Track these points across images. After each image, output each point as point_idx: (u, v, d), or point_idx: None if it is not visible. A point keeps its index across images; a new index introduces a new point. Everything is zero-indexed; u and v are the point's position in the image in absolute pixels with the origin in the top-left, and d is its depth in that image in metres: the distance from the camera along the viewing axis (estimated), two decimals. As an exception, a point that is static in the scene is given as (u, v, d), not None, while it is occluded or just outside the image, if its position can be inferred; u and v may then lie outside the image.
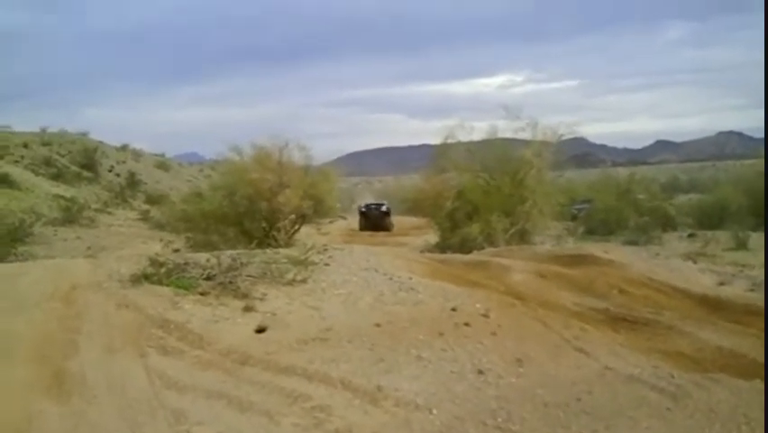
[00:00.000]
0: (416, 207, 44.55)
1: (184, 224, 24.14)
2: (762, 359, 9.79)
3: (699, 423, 6.99)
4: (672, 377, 8.39)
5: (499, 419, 6.97)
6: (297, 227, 22.91)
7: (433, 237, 30.57)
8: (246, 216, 21.76)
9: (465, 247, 23.72)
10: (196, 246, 19.72)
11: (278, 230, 21.19)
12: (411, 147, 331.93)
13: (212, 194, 24.76)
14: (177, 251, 18.77)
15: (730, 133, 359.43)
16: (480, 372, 8.50)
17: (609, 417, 7.09)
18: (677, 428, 6.88)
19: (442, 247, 26.36)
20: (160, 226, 36.85)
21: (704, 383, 8.13)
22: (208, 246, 18.53)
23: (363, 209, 57.23)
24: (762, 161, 45.53)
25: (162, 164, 75.05)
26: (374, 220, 54.48)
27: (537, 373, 8.56)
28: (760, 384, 8.17)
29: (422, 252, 22.50)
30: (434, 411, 7.15)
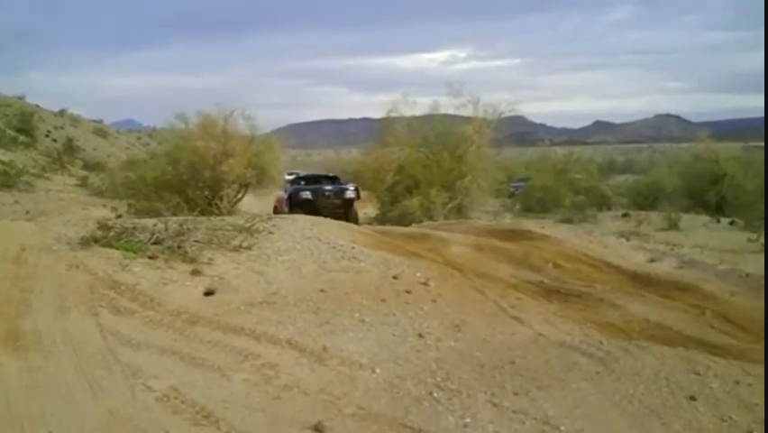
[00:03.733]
0: (356, 180, 44.79)
1: (127, 190, 24.29)
2: (684, 330, 10.43)
3: (625, 385, 7.44)
4: (602, 344, 8.85)
5: (438, 379, 7.37)
6: (239, 196, 23.22)
7: (372, 210, 30.99)
8: (189, 184, 21.98)
9: (404, 220, 24.21)
10: (139, 213, 19.87)
11: (221, 198, 21.51)
12: (352, 120, 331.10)
13: (155, 161, 24.84)
14: (119, 217, 18.86)
15: (668, 116, 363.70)
16: (421, 335, 8.92)
17: (541, 379, 7.52)
18: (604, 390, 7.32)
19: (381, 220, 26.81)
20: (98, 193, 36.57)
21: (631, 350, 8.59)
22: (151, 213, 18.66)
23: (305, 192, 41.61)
24: (697, 144, 46.60)
25: (100, 131, 73.84)
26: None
27: (474, 338, 8.99)
28: (684, 352, 8.69)
29: (361, 224, 22.84)
30: (377, 370, 7.54)
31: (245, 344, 8.16)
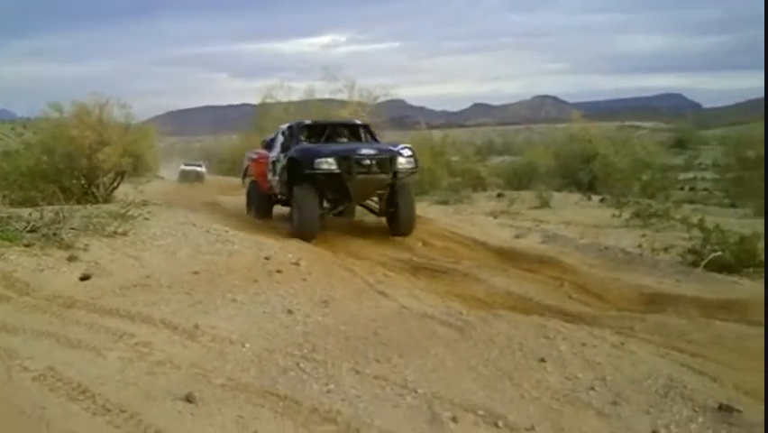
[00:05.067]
0: (235, 166, 44.86)
1: (0, 181, 23.97)
2: (543, 300, 11.11)
3: (481, 351, 8.01)
4: (461, 314, 9.43)
5: (305, 351, 7.80)
6: (115, 184, 23.13)
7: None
8: (65, 173, 21.78)
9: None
10: (14, 203, 19.73)
11: (97, 187, 21.39)
12: (232, 106, 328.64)
13: (29, 151, 24.55)
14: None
15: (545, 97, 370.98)
16: (290, 312, 9.34)
17: (403, 347, 8.02)
18: (461, 355, 7.87)
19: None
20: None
21: (488, 319, 9.18)
22: (27, 203, 18.60)
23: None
24: (572, 125, 48.07)
25: (-28, 120, 72.22)
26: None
27: (341, 313, 9.45)
28: (537, 319, 9.35)
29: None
30: (247, 345, 7.93)
31: (120, 324, 8.45)
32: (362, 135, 19.04)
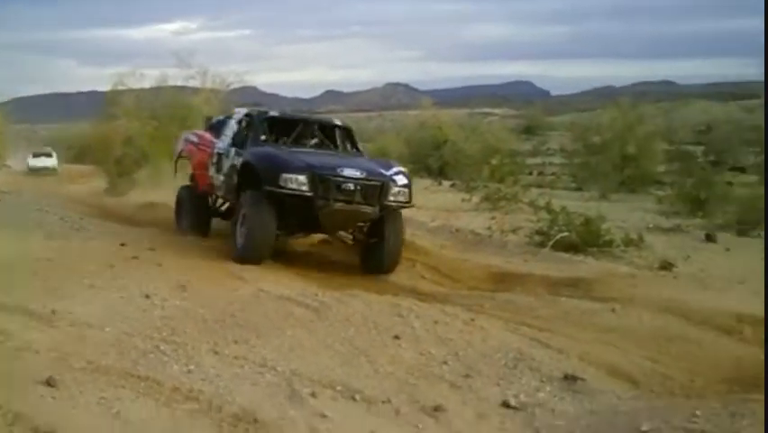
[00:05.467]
0: (83, 154, 44.06)
1: None
2: (397, 281, 11.43)
3: (337, 330, 8.27)
4: (317, 295, 9.69)
5: (164, 334, 7.87)
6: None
7: (101, 183, 30.71)
8: None
9: (135, 192, 24.29)
10: None
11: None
12: (80, 94, 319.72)
13: None
14: None
15: (397, 84, 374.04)
16: (147, 296, 9.37)
17: (260, 328, 8.20)
18: (318, 334, 8.11)
19: (111, 192, 26.71)
20: None
21: (344, 299, 9.47)
22: None
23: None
24: (423, 112, 48.85)
25: None
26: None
27: (199, 297, 9.53)
28: (391, 298, 9.73)
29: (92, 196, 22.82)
30: (106, 329, 7.94)
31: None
32: (341, 142, 15.15)
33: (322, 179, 12.02)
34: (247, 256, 12.12)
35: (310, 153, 13.47)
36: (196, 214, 15.23)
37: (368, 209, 12.31)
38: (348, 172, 12.25)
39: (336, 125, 15.49)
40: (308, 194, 11.99)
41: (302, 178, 11.98)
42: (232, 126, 14.93)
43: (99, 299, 9.18)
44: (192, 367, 6.92)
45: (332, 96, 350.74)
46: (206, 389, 6.35)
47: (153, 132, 27.78)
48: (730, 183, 29.71)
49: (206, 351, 7.40)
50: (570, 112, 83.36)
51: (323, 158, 13.14)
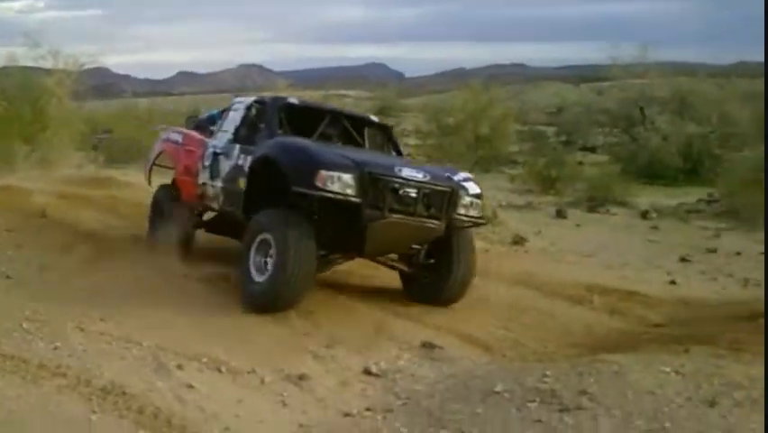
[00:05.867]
0: None
1: None
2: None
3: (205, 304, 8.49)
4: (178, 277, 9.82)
5: (27, 312, 7.77)
6: None
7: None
8: None
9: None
10: None
11: None
12: None
13: None
14: None
15: (252, 65, 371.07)
16: (8, 277, 9.44)
17: (124, 305, 8.33)
18: (186, 306, 8.33)
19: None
20: None
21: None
22: None
23: None
24: (279, 93, 48.75)
25: None
26: None
27: (60, 277, 9.58)
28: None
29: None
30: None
31: None
32: (379, 144, 11.88)
33: (374, 181, 8.72)
34: (277, 301, 8.67)
35: (352, 150, 10.15)
36: (176, 224, 11.66)
37: (433, 225, 9.18)
38: (408, 173, 9.06)
39: (374, 122, 12.17)
40: (355, 200, 8.66)
41: (347, 177, 8.61)
42: (233, 119, 11.40)
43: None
44: (58, 344, 7.03)
45: (185, 77, 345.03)
46: (74, 364, 6.47)
47: (3, 112, 27.12)
48: (581, 162, 30.92)
49: (72, 328, 7.48)
50: (423, 94, 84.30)
51: (372, 156, 10.18)
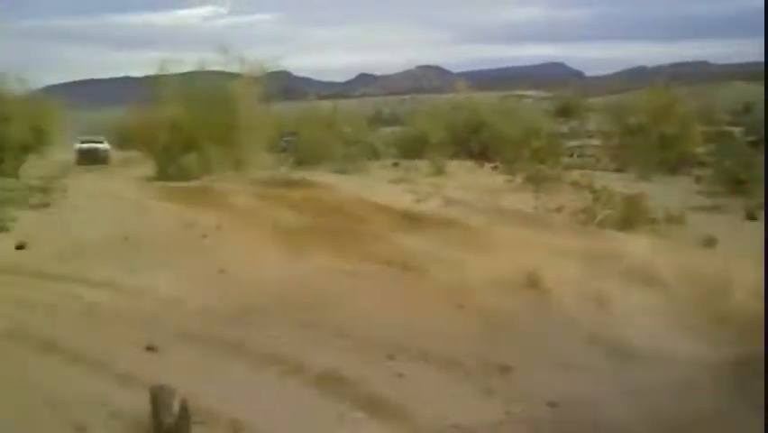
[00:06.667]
0: (127, 140, 44.47)
1: None
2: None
3: (406, 302, 8.92)
4: (379, 272, 10.30)
5: (244, 304, 8.56)
6: (22, 159, 23.26)
7: (147, 169, 31.35)
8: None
9: (183, 177, 24.81)
10: None
11: (2, 161, 21.50)
12: (114, 79, 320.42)
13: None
14: None
15: (429, 67, 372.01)
16: (222, 271, 10.11)
17: (332, 299, 8.86)
18: (388, 303, 8.78)
19: (160, 178, 27.26)
20: None
21: (405, 275, 10.11)
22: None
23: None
24: (456, 95, 49.08)
25: None
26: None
27: (269, 272, 10.22)
28: (444, 275, 10.23)
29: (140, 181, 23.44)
30: (189, 301, 8.67)
31: (67, 287, 9.15)
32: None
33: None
34: None
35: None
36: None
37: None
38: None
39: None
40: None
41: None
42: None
43: (178, 274, 9.99)
44: (275, 333, 7.58)
45: (365, 79, 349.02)
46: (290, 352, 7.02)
47: (198, 117, 28.34)
48: (771, 163, 29.94)
49: (285, 319, 8.04)
50: (603, 93, 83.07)
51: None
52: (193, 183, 20.49)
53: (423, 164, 31.49)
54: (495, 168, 30.74)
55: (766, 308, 7.32)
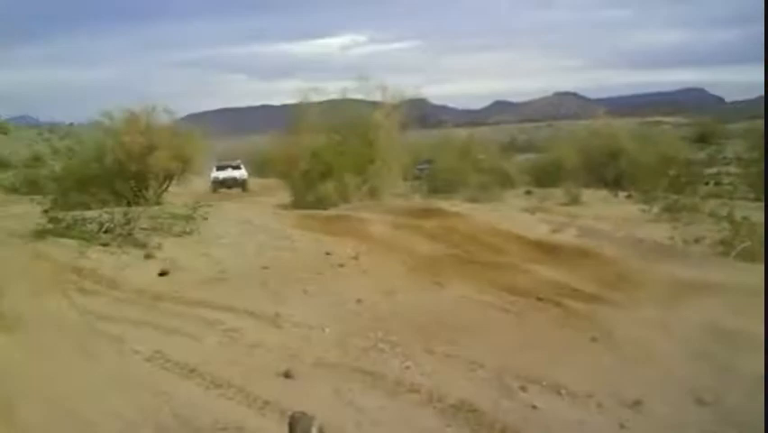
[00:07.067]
0: (265, 167, 45.42)
1: (53, 185, 24.67)
2: (585, 289, 11.83)
3: (540, 333, 8.87)
4: (515, 302, 10.26)
5: (380, 334, 8.64)
6: (165, 187, 24.05)
7: (285, 197, 31.97)
8: (117, 177, 22.65)
9: (321, 205, 25.12)
10: (67, 207, 20.59)
11: (147, 189, 22.25)
12: (251, 108, 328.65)
13: (79, 156, 25.36)
14: (46, 212, 19.53)
15: (566, 93, 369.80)
16: (359, 300, 10.18)
17: (467, 330, 8.87)
18: (518, 336, 8.74)
19: (298, 205, 27.74)
20: (13, 190, 36.80)
21: (539, 306, 10.03)
22: (80, 206, 19.52)
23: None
24: (595, 121, 48.57)
25: (0, 127, 73.37)
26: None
27: (405, 301, 10.28)
28: (583, 304, 10.12)
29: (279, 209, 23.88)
30: (326, 330, 8.80)
31: (207, 314, 9.37)
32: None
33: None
34: None
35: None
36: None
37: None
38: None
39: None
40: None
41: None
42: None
43: (315, 303, 10.10)
44: (409, 364, 7.66)
45: (501, 106, 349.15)
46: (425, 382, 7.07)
47: (338, 145, 28.79)
48: None
49: (420, 350, 8.09)
50: (745, 119, 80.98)
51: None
52: (330, 211, 20.72)
53: (557, 192, 31.30)
54: (629, 196, 30.32)
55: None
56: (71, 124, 34.35)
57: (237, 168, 44.24)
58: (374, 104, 30.81)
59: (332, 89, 32.03)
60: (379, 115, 29.52)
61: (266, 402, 6.55)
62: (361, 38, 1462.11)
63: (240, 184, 42.35)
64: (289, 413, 5.44)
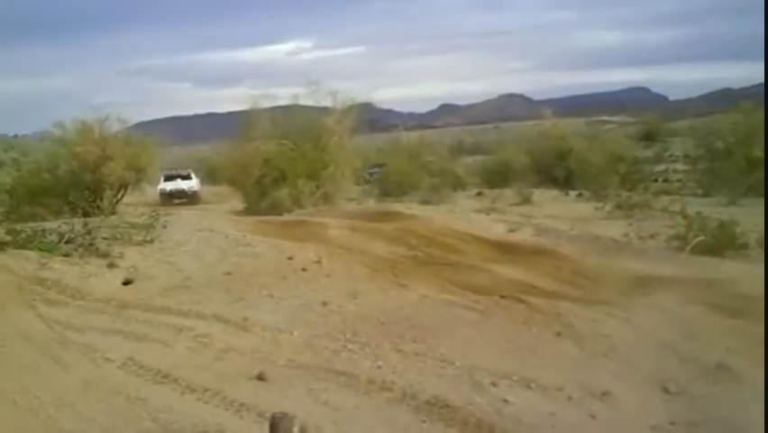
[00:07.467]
0: (214, 175, 45.33)
1: (4, 196, 24.42)
2: (545, 286, 12.04)
3: (500, 329, 9.04)
4: (478, 301, 10.41)
5: (348, 335, 8.76)
6: (120, 197, 23.95)
7: (237, 203, 31.96)
8: (71, 188, 22.55)
9: (275, 211, 25.16)
10: (21, 219, 20.41)
11: (102, 200, 22.19)
12: (198, 116, 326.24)
13: (30, 168, 25.11)
14: (1, 223, 19.33)
15: (512, 95, 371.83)
16: (324, 303, 10.28)
17: (434, 329, 9.00)
18: (485, 334, 8.88)
19: (251, 212, 27.72)
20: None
21: (502, 303, 10.19)
22: (34, 218, 19.40)
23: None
24: (542, 122, 49.05)
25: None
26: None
27: (370, 303, 10.39)
28: (547, 301, 10.32)
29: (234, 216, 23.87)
30: (295, 333, 8.91)
31: (175, 320, 9.43)
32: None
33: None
34: None
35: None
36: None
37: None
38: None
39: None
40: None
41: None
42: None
43: (281, 307, 10.18)
44: (380, 363, 7.82)
45: (447, 109, 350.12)
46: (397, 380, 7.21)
47: (290, 151, 28.88)
48: None
49: (389, 349, 8.24)
50: (688, 117, 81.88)
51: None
52: (286, 217, 20.83)
53: (508, 193, 31.64)
54: (579, 195, 30.76)
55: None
56: (15, 136, 33.82)
57: (187, 177, 41.99)
58: (324, 109, 30.97)
59: (281, 95, 32.23)
60: (331, 120, 29.69)
61: (242, 405, 6.65)
62: (307, 44, 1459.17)
63: (190, 196, 39.84)
64: (268, 414, 5.56)
